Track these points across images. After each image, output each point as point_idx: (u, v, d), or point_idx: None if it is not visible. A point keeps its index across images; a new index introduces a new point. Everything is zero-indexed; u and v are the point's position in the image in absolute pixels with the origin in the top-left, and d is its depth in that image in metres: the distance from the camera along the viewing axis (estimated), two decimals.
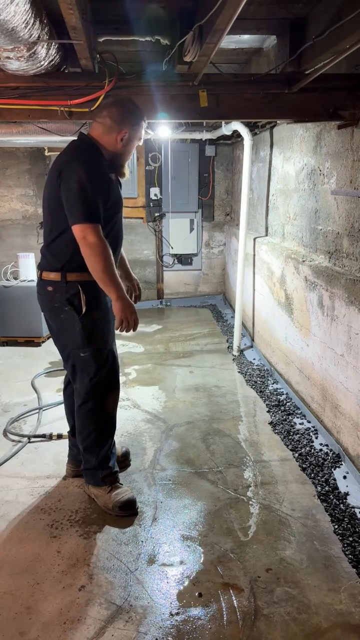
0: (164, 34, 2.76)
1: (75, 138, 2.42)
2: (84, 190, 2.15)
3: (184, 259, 6.76)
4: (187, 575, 2.04)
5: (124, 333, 2.33)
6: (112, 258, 2.21)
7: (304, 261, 3.39)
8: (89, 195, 2.15)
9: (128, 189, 6.17)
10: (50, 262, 2.33)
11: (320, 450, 2.96)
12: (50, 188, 2.29)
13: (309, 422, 3.32)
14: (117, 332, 2.35)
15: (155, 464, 2.87)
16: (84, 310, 2.29)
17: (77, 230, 2.17)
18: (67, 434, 2.83)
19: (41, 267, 2.39)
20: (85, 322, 2.32)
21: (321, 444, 3.02)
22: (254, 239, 4.70)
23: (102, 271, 2.18)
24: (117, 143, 2.31)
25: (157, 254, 6.66)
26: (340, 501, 2.49)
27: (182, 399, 3.78)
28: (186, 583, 2.00)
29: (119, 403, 3.61)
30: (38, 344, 5.14)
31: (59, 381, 4.11)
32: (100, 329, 2.35)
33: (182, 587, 1.98)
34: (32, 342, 5.16)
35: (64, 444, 2.95)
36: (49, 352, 4.85)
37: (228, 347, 4.95)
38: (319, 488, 2.60)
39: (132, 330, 2.30)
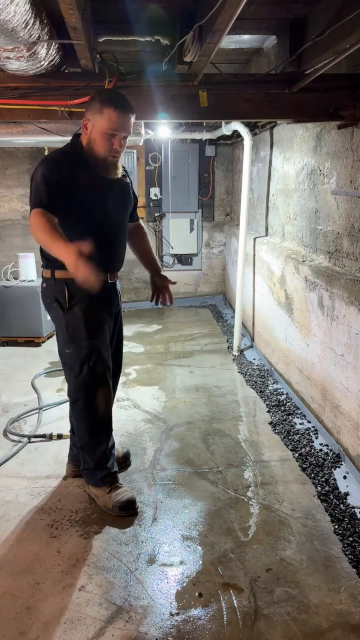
0: (164, 34, 2.76)
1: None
2: (38, 187, 2.18)
3: (184, 259, 6.76)
4: (187, 575, 2.04)
5: (87, 284, 1.94)
6: (51, 222, 2.09)
7: (304, 261, 3.39)
8: (41, 191, 2.16)
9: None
10: (43, 260, 2.39)
11: (320, 450, 2.96)
12: None
13: (309, 422, 3.32)
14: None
15: (155, 464, 2.87)
16: (67, 307, 2.32)
17: (30, 219, 2.16)
18: (67, 433, 2.84)
19: (41, 266, 2.44)
20: (68, 319, 2.34)
21: (321, 444, 3.02)
22: (254, 239, 4.70)
23: (39, 239, 2.11)
24: (84, 132, 2.30)
25: (157, 254, 6.65)
26: (340, 501, 2.49)
27: (182, 399, 3.78)
28: (186, 583, 2.00)
29: (119, 403, 3.64)
30: (38, 344, 5.14)
31: (59, 381, 4.12)
32: (83, 327, 2.35)
33: (182, 587, 1.98)
34: (32, 342, 5.16)
35: (64, 444, 2.95)
36: (49, 352, 4.85)
37: (228, 347, 4.95)
38: (319, 488, 2.60)
39: (87, 277, 1.91)
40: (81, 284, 1.95)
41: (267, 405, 3.62)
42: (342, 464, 2.79)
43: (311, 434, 3.16)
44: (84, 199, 2.28)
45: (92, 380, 2.40)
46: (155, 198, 6.48)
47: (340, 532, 2.27)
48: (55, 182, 2.18)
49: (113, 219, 2.42)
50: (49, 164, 2.23)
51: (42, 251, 2.38)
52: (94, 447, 2.44)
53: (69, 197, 2.22)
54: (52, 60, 2.53)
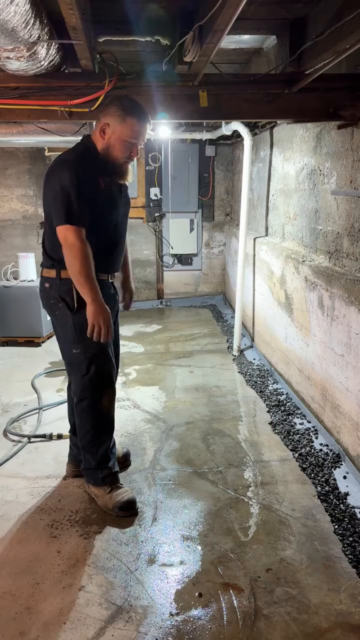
0: (164, 34, 2.76)
1: (77, 139, 2.45)
2: (66, 193, 2.18)
3: (184, 259, 6.76)
4: (187, 575, 2.04)
5: (93, 341, 2.28)
6: (91, 262, 2.21)
7: (304, 261, 3.39)
8: (71, 198, 2.18)
9: (128, 189, 6.16)
10: (46, 260, 2.40)
11: (320, 450, 2.96)
12: (43, 189, 2.35)
13: (309, 422, 3.32)
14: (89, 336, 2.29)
15: (155, 464, 2.87)
16: (75, 307, 2.32)
17: (59, 231, 2.21)
18: (67, 433, 2.84)
19: (41, 265, 2.45)
20: (76, 319, 2.34)
21: (321, 444, 3.02)
22: (254, 239, 4.70)
23: (78, 272, 2.21)
24: (99, 135, 2.31)
25: (157, 254, 6.66)
26: (340, 501, 2.49)
27: (182, 399, 3.78)
28: (186, 583, 2.00)
29: (119, 403, 3.64)
30: (38, 344, 5.14)
31: (59, 381, 4.12)
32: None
33: (182, 587, 1.98)
34: (32, 342, 5.16)
35: (64, 444, 2.95)
36: (49, 352, 4.85)
37: (228, 347, 4.95)
38: (319, 488, 2.60)
39: (102, 340, 2.28)
40: (89, 333, 2.26)
41: (267, 405, 3.62)
42: (342, 464, 2.79)
43: (311, 434, 3.16)
44: (101, 203, 2.31)
45: (99, 380, 2.41)
46: (155, 198, 6.48)
47: (340, 532, 2.27)
48: (83, 189, 2.20)
49: (120, 222, 2.47)
50: (74, 168, 2.22)
51: (45, 250, 2.40)
52: (96, 447, 2.45)
53: (91, 202, 2.24)
54: (52, 60, 2.53)
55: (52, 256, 2.35)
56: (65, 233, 2.19)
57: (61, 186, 2.19)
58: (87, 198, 2.22)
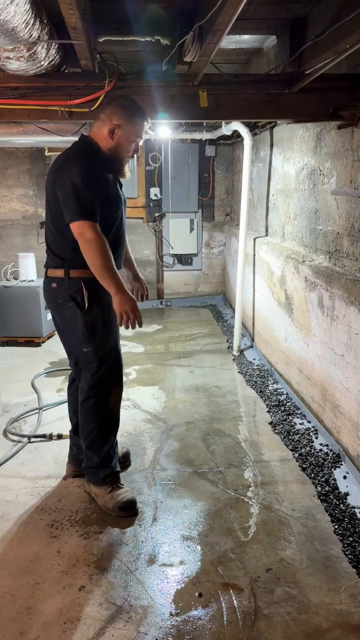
0: (164, 34, 2.77)
1: (77, 139, 2.44)
2: (78, 189, 2.18)
3: (184, 259, 6.76)
4: (187, 575, 2.04)
5: (127, 330, 2.30)
6: (110, 254, 2.23)
7: (304, 261, 3.40)
8: (83, 194, 2.18)
9: (128, 189, 6.17)
10: (53, 260, 2.39)
11: (320, 450, 2.96)
12: (49, 189, 2.34)
13: (309, 422, 3.32)
14: (121, 328, 2.33)
15: (155, 464, 2.87)
16: (86, 306, 2.32)
17: (75, 227, 2.20)
18: (67, 433, 2.84)
19: (46, 265, 2.44)
20: (87, 318, 2.35)
21: (321, 444, 3.02)
22: (254, 239, 4.70)
23: (100, 266, 2.21)
24: (107, 136, 2.32)
25: (157, 254, 6.65)
26: (341, 501, 2.49)
27: (182, 399, 3.78)
28: (186, 583, 2.00)
29: None
30: (38, 344, 5.14)
31: (59, 381, 4.12)
32: (102, 325, 2.38)
33: (182, 587, 1.98)
34: (32, 342, 5.16)
35: (64, 444, 2.95)
36: (49, 352, 4.86)
37: (228, 347, 4.95)
38: (319, 488, 2.60)
39: (134, 327, 2.27)
40: (119, 323, 2.27)
41: (267, 405, 3.62)
42: (342, 464, 2.79)
43: (311, 434, 3.16)
44: (110, 199, 2.32)
45: (109, 378, 2.43)
46: (155, 198, 6.48)
47: (340, 532, 2.27)
48: (93, 185, 2.21)
49: (123, 218, 2.48)
50: (83, 165, 2.23)
51: (52, 250, 2.39)
52: (100, 446, 2.45)
53: (101, 199, 2.25)
54: (52, 60, 2.53)
55: (60, 255, 2.35)
56: (82, 229, 2.19)
57: (72, 183, 2.18)
58: (98, 195, 2.23)
